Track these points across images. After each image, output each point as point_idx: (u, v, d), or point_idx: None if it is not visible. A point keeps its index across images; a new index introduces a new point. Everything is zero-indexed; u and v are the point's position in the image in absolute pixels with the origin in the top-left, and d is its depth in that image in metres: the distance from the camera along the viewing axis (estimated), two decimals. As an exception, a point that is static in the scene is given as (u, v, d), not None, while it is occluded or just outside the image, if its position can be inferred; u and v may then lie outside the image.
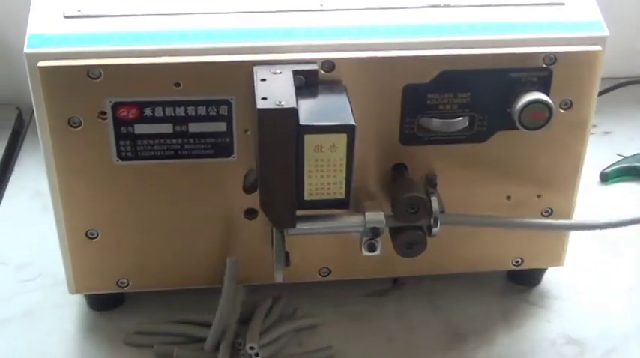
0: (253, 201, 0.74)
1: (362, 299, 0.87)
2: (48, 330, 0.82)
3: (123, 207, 0.76)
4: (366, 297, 0.87)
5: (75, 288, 0.80)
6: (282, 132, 0.64)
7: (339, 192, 0.68)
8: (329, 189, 0.67)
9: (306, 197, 0.68)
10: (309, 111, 0.66)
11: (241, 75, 0.70)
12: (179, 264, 0.79)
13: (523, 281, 0.88)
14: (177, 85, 0.70)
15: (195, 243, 0.78)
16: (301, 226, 0.71)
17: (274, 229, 0.71)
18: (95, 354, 0.79)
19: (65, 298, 0.83)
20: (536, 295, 0.88)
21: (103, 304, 0.84)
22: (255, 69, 0.69)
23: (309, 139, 0.65)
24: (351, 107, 0.67)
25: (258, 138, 0.65)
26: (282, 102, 0.64)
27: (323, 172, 0.66)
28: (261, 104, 0.64)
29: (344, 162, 0.66)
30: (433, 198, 0.74)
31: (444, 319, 0.85)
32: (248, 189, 0.76)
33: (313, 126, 0.65)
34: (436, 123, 0.74)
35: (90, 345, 0.80)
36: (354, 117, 0.66)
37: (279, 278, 0.73)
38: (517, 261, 0.84)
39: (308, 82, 0.69)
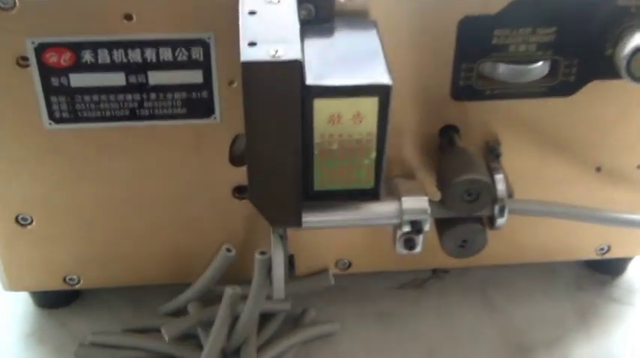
0: (244, 175, 0.63)
1: (391, 293, 0.77)
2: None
3: (61, 184, 0.68)
4: (396, 291, 0.77)
5: (8, 284, 0.73)
6: (278, 96, 0.52)
7: (366, 180, 0.56)
8: (350, 175, 0.56)
9: (317, 187, 0.56)
10: (322, 63, 0.54)
11: (221, 4, 0.59)
12: (144, 257, 0.72)
13: (604, 270, 0.80)
14: (129, 17, 0.60)
15: (164, 229, 0.71)
16: (310, 219, 0.59)
17: (272, 231, 0.59)
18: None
19: (4, 295, 0.74)
20: (622, 289, 0.78)
21: (51, 301, 0.76)
22: (241, -6, 0.56)
23: (320, 106, 0.53)
24: (385, 55, 0.55)
25: (244, 102, 0.52)
26: (279, 52, 0.51)
27: (342, 153, 0.55)
28: (247, 54, 0.51)
29: (373, 138, 0.54)
30: (498, 177, 0.63)
31: (502, 322, 0.75)
32: (236, 160, 0.67)
33: (327, 86, 0.52)
34: (504, 70, 0.64)
35: (34, 355, 0.72)
36: (389, 72, 0.53)
37: (279, 294, 0.61)
38: (602, 249, 0.75)
39: (319, 16, 0.58)
